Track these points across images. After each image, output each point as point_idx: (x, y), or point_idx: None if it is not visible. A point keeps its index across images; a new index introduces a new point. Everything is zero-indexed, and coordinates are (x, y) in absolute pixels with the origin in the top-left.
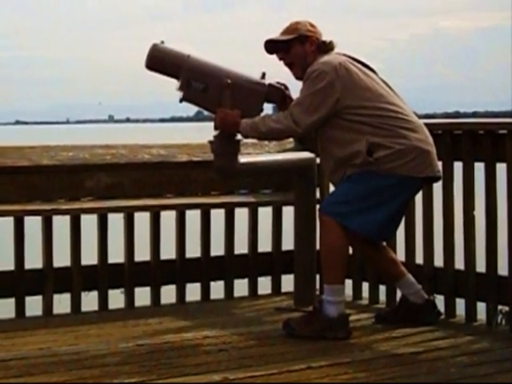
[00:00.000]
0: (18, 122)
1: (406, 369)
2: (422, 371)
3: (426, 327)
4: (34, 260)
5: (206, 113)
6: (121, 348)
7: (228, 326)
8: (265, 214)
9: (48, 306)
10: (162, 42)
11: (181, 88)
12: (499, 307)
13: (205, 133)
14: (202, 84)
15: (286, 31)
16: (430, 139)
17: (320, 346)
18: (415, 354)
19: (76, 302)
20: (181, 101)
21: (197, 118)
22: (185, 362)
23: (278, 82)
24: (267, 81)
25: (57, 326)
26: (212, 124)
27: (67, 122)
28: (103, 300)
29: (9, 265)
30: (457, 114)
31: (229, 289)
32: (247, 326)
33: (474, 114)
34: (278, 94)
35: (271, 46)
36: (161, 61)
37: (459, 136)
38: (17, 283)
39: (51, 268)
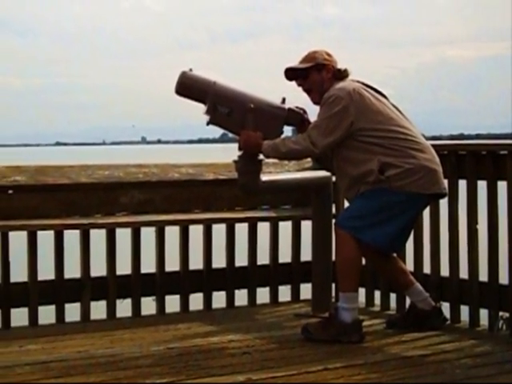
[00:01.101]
0: (58, 144)
1: (415, 370)
2: (430, 372)
3: (433, 332)
4: (72, 270)
5: (230, 135)
6: (152, 351)
7: (251, 330)
8: (285, 227)
9: (86, 312)
10: (191, 70)
11: (207, 112)
12: (500, 313)
13: (229, 153)
14: (227, 108)
15: (305, 60)
16: (437, 159)
17: (335, 349)
18: (423, 356)
19: (111, 309)
20: (207, 124)
21: (222, 139)
22: (211, 363)
23: (297, 107)
24: (287, 105)
25: (94, 331)
26: (236, 145)
27: (103, 143)
28: (136, 307)
29: (50, 274)
30: (461, 136)
31: (252, 296)
32: (269, 330)
33: (477, 136)
34: (297, 118)
35: (291, 74)
36: (189, 87)
37: (463, 156)
38: (57, 291)
39: (88, 277)
